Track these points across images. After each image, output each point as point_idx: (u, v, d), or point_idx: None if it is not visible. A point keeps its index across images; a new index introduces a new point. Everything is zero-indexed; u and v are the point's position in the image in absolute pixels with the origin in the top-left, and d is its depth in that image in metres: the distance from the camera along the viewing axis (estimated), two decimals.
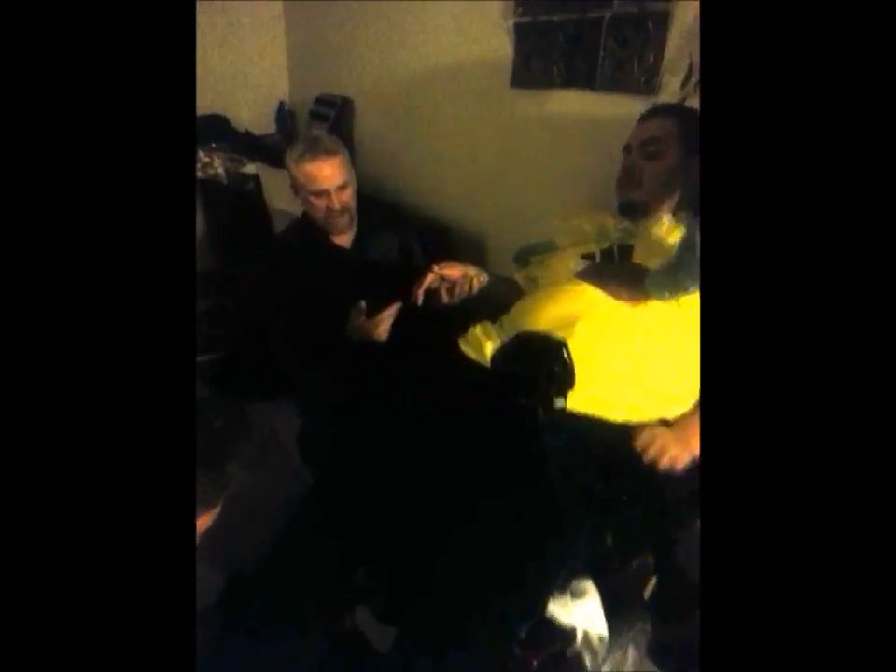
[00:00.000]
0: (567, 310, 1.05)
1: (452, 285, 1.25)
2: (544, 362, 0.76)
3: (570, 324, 1.02)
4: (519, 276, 1.36)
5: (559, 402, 0.78)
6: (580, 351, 0.93)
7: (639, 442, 0.93)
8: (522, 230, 1.75)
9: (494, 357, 0.84)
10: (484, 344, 1.11)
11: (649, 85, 1.45)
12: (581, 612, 0.86)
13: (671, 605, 1.11)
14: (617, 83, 1.51)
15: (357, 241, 1.71)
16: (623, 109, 1.49)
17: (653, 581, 1.13)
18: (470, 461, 0.91)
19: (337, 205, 1.60)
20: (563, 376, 0.76)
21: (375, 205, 1.81)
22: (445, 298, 1.25)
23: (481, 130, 1.83)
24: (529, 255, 1.33)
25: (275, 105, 2.74)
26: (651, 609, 1.12)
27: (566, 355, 0.77)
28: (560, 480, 0.83)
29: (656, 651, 1.15)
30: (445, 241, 1.86)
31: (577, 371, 0.87)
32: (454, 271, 1.24)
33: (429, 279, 1.22)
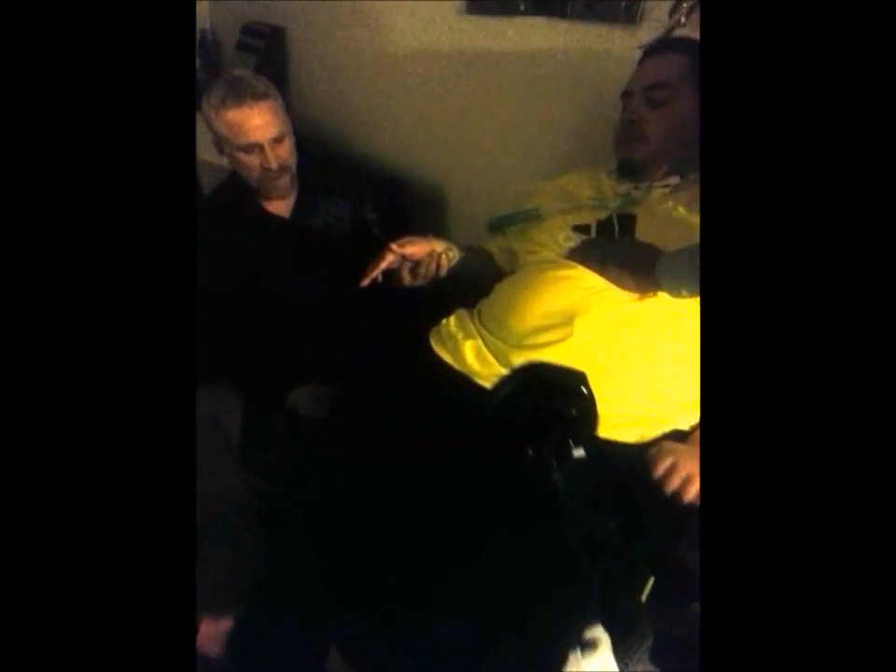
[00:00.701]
0: (561, 303, 0.87)
1: (415, 264, 1.06)
2: (560, 406, 0.60)
3: (567, 321, 0.85)
4: (493, 246, 1.17)
5: (578, 452, 0.62)
6: (580, 355, 0.77)
7: (660, 470, 0.78)
8: (493, 182, 1.55)
9: (494, 393, 0.67)
10: (462, 345, 0.93)
11: (629, 11, 1.25)
12: (593, 666, 0.75)
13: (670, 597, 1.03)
14: (592, 10, 1.30)
15: (299, 207, 1.44)
16: (601, 43, 1.30)
17: (650, 581, 1.04)
18: (461, 500, 0.76)
19: (274, 164, 1.34)
20: (583, 419, 0.61)
21: (319, 161, 1.52)
22: (408, 279, 1.06)
23: (438, 63, 1.58)
24: (507, 224, 1.13)
25: (196, 34, 2.41)
26: (650, 611, 1.04)
27: (586, 393, 0.61)
28: (568, 522, 0.69)
29: (658, 650, 1.08)
30: (405, 201, 1.63)
31: None
32: (417, 248, 1.04)
33: (387, 260, 1.03)
